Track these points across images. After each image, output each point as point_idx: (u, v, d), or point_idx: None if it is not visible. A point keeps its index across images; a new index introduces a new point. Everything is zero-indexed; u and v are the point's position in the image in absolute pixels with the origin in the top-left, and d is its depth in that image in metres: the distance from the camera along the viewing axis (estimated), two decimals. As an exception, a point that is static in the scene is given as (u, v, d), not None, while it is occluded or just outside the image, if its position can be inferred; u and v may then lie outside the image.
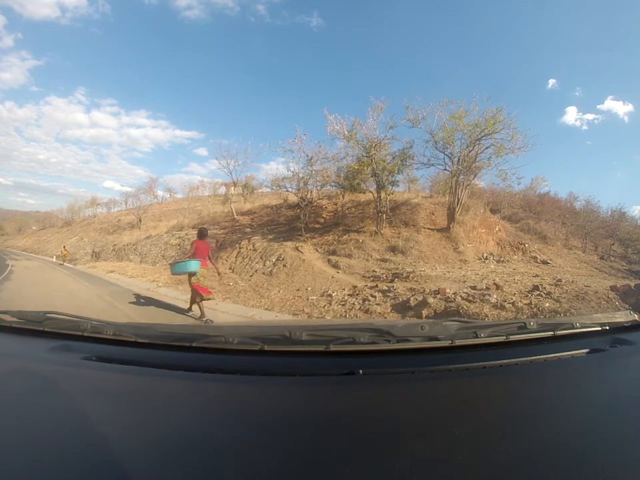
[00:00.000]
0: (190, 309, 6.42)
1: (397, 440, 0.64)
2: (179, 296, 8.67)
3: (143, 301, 8.01)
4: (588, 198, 25.79)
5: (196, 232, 6.63)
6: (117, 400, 0.81)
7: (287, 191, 18.16)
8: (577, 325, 1.16)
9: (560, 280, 7.47)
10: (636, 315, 1.28)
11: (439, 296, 6.41)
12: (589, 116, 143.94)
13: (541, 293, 6.29)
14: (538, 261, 13.60)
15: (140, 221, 35.14)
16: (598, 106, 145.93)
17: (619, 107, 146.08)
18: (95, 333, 1.12)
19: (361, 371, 0.90)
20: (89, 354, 1.02)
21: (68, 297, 8.90)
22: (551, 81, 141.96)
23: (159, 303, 7.81)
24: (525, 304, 5.79)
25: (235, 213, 21.57)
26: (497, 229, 15.95)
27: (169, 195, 56.20)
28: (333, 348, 0.98)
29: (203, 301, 5.79)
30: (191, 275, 5.72)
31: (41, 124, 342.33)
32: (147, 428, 0.69)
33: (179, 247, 20.03)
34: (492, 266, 11.32)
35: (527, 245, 15.11)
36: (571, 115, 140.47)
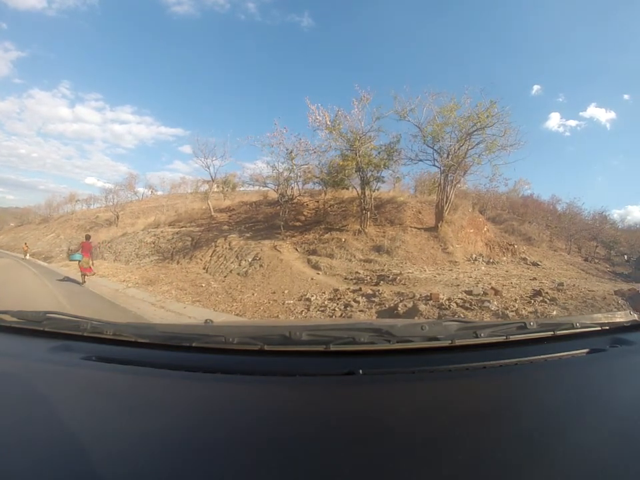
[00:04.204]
0: (83, 282, 10.58)
1: (397, 440, 0.63)
2: (147, 298, 8.53)
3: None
4: (571, 201, 25.88)
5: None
6: (117, 400, 0.80)
7: (266, 187, 17.28)
8: (577, 325, 1.15)
9: (562, 284, 6.83)
10: (636, 315, 1.27)
11: (430, 302, 5.65)
12: (572, 122, 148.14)
13: (545, 299, 5.63)
14: (528, 262, 13.11)
15: (117, 218, 33.68)
16: (580, 113, 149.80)
17: (601, 114, 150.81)
18: (95, 333, 1.11)
19: (360, 371, 0.89)
20: (89, 354, 1.02)
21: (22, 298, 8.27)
22: (535, 87, 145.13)
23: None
24: (530, 312, 5.08)
25: (212, 210, 20.46)
26: (485, 229, 15.44)
27: (149, 192, 54.14)
28: (332, 348, 0.97)
29: (88, 276, 10.66)
30: (79, 262, 10.58)
31: (23, 117, 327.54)
32: (147, 427, 0.68)
33: (153, 245, 18.91)
34: (482, 268, 10.69)
35: (516, 246, 14.63)
36: (554, 121, 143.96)
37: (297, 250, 12.64)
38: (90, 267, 10.73)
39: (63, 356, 1.03)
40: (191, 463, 0.57)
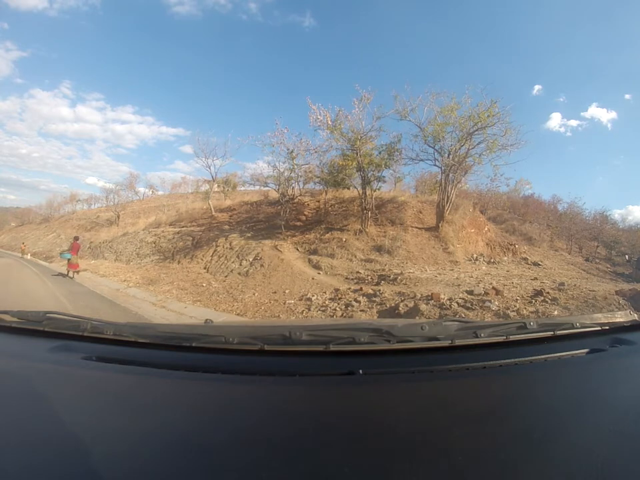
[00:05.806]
0: (67, 275, 12.74)
1: (397, 440, 0.63)
2: (148, 298, 8.57)
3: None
4: (572, 200, 25.77)
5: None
6: (117, 400, 0.80)
7: (267, 186, 17.31)
8: (577, 325, 1.14)
9: (563, 284, 6.81)
10: (636, 315, 1.27)
11: (432, 302, 5.64)
12: (573, 122, 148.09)
13: (546, 299, 5.61)
14: (529, 262, 13.07)
15: (118, 217, 33.70)
16: (582, 113, 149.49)
17: (602, 114, 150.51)
18: (95, 333, 1.11)
19: (360, 371, 0.89)
20: (89, 354, 1.02)
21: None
22: (536, 87, 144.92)
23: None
24: (531, 312, 5.07)
25: (213, 210, 20.46)
26: (485, 229, 15.41)
27: (150, 192, 54.16)
28: (332, 348, 0.96)
29: (75, 271, 12.72)
30: (68, 259, 12.81)
31: (24, 117, 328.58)
32: (147, 428, 0.68)
33: (154, 245, 18.92)
34: (483, 267, 10.67)
35: (517, 246, 14.59)
36: (555, 121, 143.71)
37: (297, 250, 12.64)
38: (77, 264, 12.97)
39: (63, 356, 1.03)
40: (191, 462, 0.56)
